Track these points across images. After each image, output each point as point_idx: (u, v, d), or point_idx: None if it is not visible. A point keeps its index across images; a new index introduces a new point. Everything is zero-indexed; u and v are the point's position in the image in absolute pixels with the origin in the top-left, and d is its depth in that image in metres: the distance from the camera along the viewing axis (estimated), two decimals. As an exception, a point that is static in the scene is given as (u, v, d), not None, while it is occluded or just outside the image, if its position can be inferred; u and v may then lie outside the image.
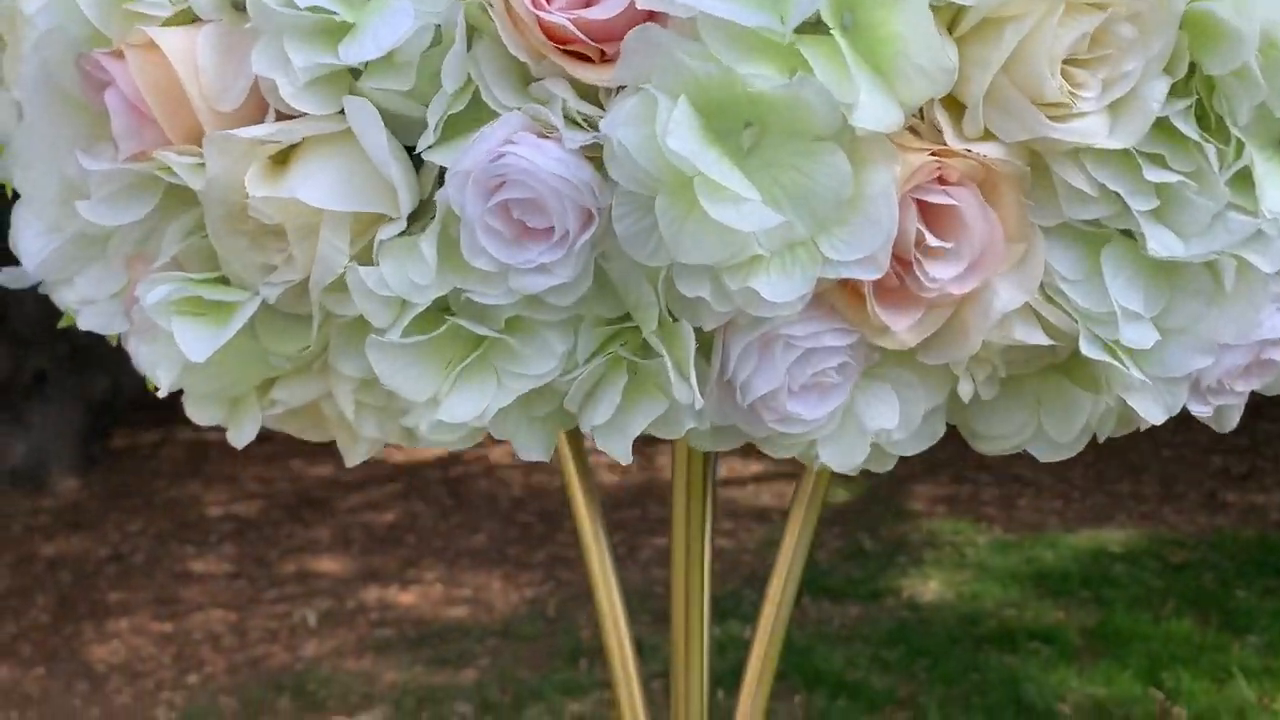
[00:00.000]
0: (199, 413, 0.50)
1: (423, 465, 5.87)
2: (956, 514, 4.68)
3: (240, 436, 0.50)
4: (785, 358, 0.43)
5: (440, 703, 3.15)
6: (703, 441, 0.49)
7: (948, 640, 3.26)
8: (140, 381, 0.51)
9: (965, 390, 0.45)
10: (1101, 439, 0.49)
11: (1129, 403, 0.45)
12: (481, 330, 0.44)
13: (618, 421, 0.45)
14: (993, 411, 0.49)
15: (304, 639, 3.63)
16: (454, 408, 0.45)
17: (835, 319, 0.43)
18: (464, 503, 5.27)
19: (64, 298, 0.57)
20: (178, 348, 0.47)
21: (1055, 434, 0.48)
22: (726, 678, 3.13)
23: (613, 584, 0.62)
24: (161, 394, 0.48)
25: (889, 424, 0.44)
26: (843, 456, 0.45)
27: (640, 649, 3.20)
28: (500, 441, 0.48)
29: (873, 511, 4.84)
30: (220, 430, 0.50)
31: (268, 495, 5.25)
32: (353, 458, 0.53)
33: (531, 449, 0.48)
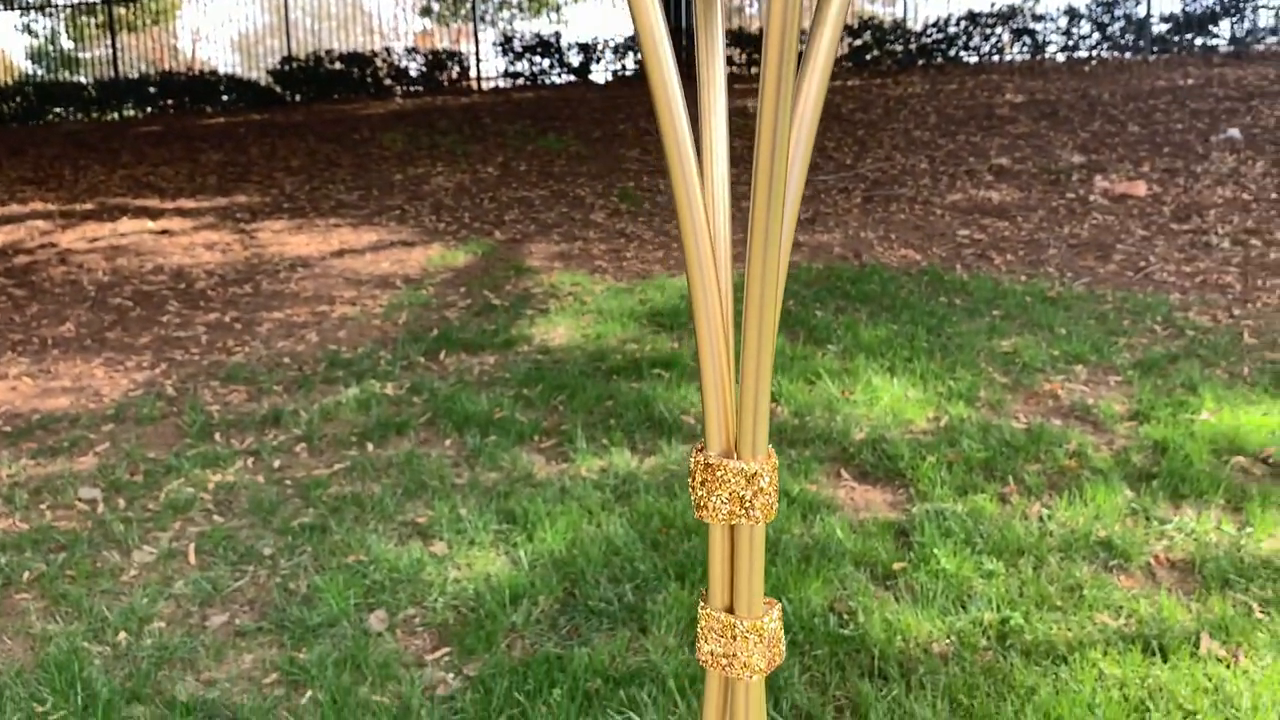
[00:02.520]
0: None
1: (-25, 258, 4.93)
2: (572, 269, 4.78)
3: None
4: None
5: (61, 491, 2.75)
6: None
7: (581, 375, 3.36)
8: None
9: None
10: None
11: None
12: None
13: None
14: None
15: None
16: None
17: None
18: (40, 292, 4.50)
19: None
20: None
21: None
22: (373, 430, 3.01)
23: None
24: None
25: None
26: None
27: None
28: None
29: (494, 272, 4.81)
30: None
31: None
32: None
33: None
